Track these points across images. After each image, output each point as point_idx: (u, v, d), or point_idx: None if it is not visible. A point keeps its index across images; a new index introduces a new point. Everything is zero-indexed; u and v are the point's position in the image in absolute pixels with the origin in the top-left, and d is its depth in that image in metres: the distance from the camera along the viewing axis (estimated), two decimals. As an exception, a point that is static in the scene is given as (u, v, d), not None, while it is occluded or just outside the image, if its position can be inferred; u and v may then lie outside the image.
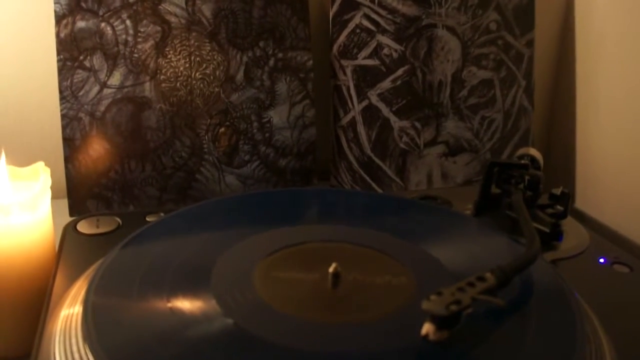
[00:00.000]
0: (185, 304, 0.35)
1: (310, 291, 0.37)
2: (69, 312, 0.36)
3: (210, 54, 0.64)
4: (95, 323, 0.33)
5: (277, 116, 0.66)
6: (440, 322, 0.32)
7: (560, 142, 0.78)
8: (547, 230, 0.48)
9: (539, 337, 0.34)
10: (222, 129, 0.65)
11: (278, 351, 0.32)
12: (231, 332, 0.33)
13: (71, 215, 0.62)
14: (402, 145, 0.70)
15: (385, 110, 0.69)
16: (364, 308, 0.36)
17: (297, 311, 0.35)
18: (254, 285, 0.37)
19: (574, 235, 0.50)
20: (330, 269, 0.38)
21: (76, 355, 0.32)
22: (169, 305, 0.35)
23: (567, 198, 0.48)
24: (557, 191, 0.49)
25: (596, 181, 0.70)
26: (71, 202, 0.63)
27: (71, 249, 0.46)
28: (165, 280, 0.37)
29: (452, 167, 0.71)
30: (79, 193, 0.63)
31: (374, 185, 0.70)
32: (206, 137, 0.65)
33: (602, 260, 0.47)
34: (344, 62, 0.69)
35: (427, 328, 0.32)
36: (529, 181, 0.49)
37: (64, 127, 0.62)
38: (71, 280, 0.42)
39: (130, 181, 0.63)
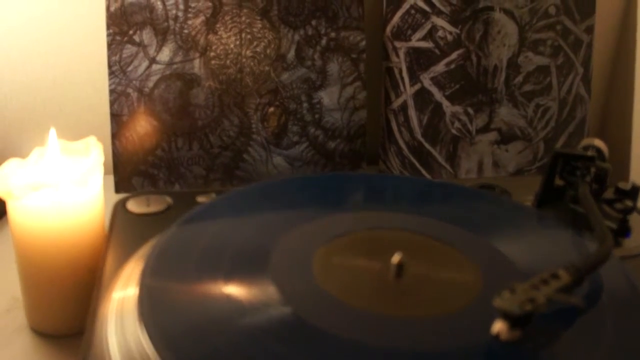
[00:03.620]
0: (244, 291, 0.34)
1: (372, 281, 0.36)
2: (123, 294, 0.35)
3: (261, 31, 0.63)
4: (151, 308, 0.32)
5: (327, 97, 0.65)
6: (513, 321, 0.30)
7: (616, 134, 0.75)
8: (614, 226, 0.45)
9: (617, 339, 0.32)
10: (272, 109, 0.64)
11: (339, 344, 0.31)
12: (290, 321, 0.32)
13: (117, 192, 0.62)
14: (453, 131, 0.68)
15: (437, 95, 0.67)
16: (430, 302, 0.34)
17: (359, 302, 0.34)
18: (313, 273, 0.36)
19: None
20: (394, 259, 0.36)
21: (131, 340, 0.31)
22: (227, 291, 0.34)
23: (638, 192, 0.46)
24: (625, 185, 0.47)
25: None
26: (117, 179, 0.62)
27: (121, 228, 0.46)
28: (222, 265, 0.36)
29: (504, 156, 0.69)
30: (125, 170, 0.62)
31: (423, 171, 0.68)
32: (255, 117, 0.63)
33: (671, 259, 0.45)
34: (397, 44, 0.67)
35: (498, 327, 0.31)
36: (595, 174, 0.47)
37: (111, 103, 0.61)
38: (122, 260, 0.41)
39: (177, 159, 0.62)
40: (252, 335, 0.31)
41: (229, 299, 0.33)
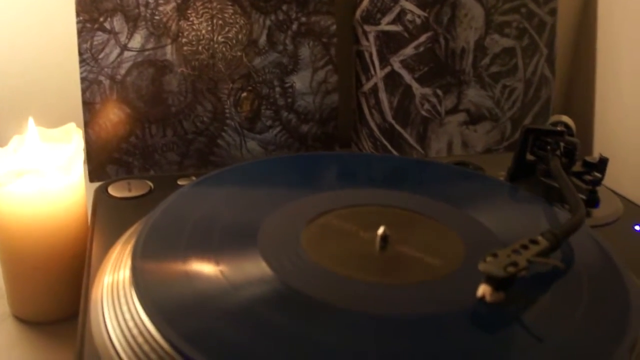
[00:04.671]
0: (235, 267, 0.35)
1: (358, 252, 0.37)
2: (114, 278, 0.35)
3: (233, 17, 0.63)
4: (146, 285, 0.33)
5: (299, 81, 0.65)
6: (497, 283, 0.32)
7: (579, 113, 0.77)
8: (583, 197, 0.47)
9: (592, 299, 0.34)
10: (245, 94, 0.64)
11: (330, 311, 0.32)
12: (280, 290, 0.33)
13: (91, 180, 0.62)
14: (423, 113, 0.69)
15: (407, 77, 0.68)
16: (415, 270, 0.36)
17: (347, 271, 0.35)
18: (302, 247, 0.37)
19: (608, 203, 0.49)
20: (379, 232, 0.37)
21: (129, 319, 0.31)
22: (219, 265, 0.35)
23: (606, 164, 0.47)
24: (593, 159, 0.49)
25: (614, 152, 0.69)
26: (91, 167, 0.62)
27: (105, 212, 0.46)
28: (212, 241, 0.37)
29: (473, 136, 0.71)
30: (98, 158, 0.62)
31: (394, 152, 0.69)
32: (228, 102, 0.64)
33: (638, 227, 0.47)
34: (367, 28, 0.67)
35: (483, 289, 0.32)
36: (565, 148, 0.48)
37: (83, 91, 0.61)
38: (107, 244, 0.41)
39: (151, 146, 0.62)
40: (254, 312, 0.32)
41: (221, 272, 0.34)
